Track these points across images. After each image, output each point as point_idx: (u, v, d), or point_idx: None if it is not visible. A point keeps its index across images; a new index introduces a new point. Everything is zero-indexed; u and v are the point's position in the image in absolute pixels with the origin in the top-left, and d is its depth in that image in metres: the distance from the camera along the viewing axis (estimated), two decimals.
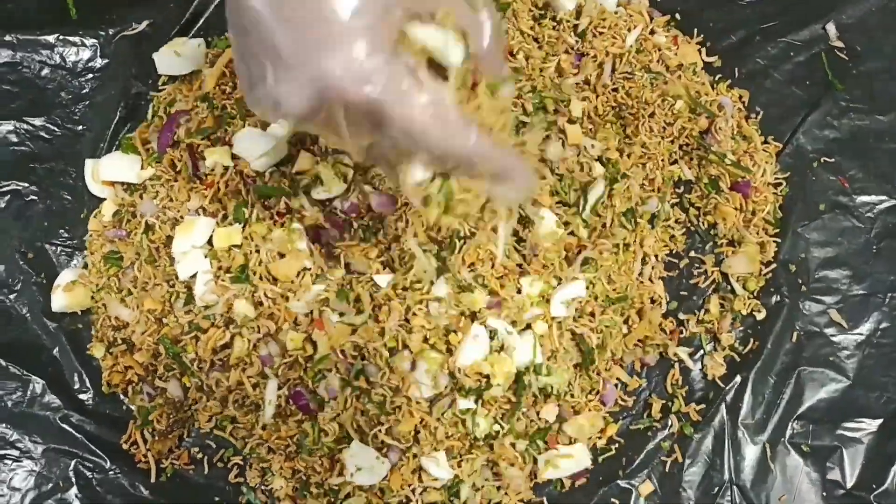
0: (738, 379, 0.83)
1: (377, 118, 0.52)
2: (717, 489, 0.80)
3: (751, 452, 0.81)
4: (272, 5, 0.50)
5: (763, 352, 0.84)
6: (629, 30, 0.90)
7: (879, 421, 0.81)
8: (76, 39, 0.88)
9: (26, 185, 0.86)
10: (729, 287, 0.86)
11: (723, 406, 0.82)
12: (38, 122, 0.87)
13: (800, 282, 0.86)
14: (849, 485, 0.80)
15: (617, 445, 0.82)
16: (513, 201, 0.66)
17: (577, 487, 0.80)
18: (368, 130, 0.54)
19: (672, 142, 0.88)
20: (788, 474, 0.80)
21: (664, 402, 0.83)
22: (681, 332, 0.85)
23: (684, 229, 0.88)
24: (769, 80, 0.92)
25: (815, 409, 0.82)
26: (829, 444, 0.81)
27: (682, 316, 0.86)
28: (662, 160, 0.87)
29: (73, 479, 0.79)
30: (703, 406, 0.82)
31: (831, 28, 0.94)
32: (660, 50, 0.91)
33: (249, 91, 0.54)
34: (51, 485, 0.79)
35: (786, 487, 0.80)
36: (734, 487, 0.80)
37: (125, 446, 0.81)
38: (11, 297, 0.83)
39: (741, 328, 0.85)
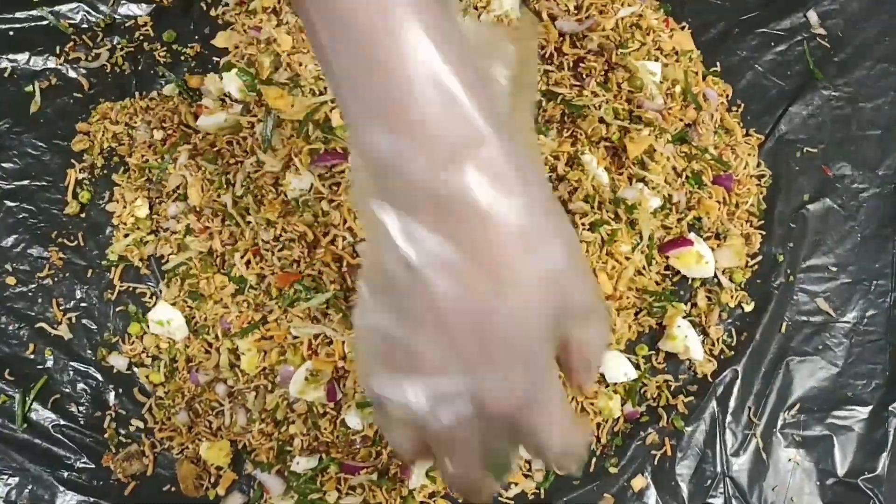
0: (727, 371, 0.83)
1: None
2: (709, 482, 0.80)
3: (742, 444, 0.81)
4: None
5: (752, 343, 0.84)
6: (623, 5, 0.90)
7: (869, 408, 0.82)
8: None
9: None
10: (716, 280, 0.86)
11: (713, 398, 0.82)
12: None
13: (787, 272, 0.86)
14: (841, 473, 0.80)
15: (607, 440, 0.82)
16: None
17: (572, 483, 0.81)
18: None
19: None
20: (781, 464, 0.81)
21: (652, 398, 0.83)
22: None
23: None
24: (750, 72, 0.93)
25: (805, 398, 0.82)
26: (820, 434, 0.81)
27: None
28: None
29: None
30: (692, 399, 0.82)
31: (812, 15, 0.94)
32: (653, 32, 0.90)
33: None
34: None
35: (778, 478, 0.80)
36: (727, 479, 0.80)
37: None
38: (3, 317, 0.85)
39: (729, 320, 0.85)
